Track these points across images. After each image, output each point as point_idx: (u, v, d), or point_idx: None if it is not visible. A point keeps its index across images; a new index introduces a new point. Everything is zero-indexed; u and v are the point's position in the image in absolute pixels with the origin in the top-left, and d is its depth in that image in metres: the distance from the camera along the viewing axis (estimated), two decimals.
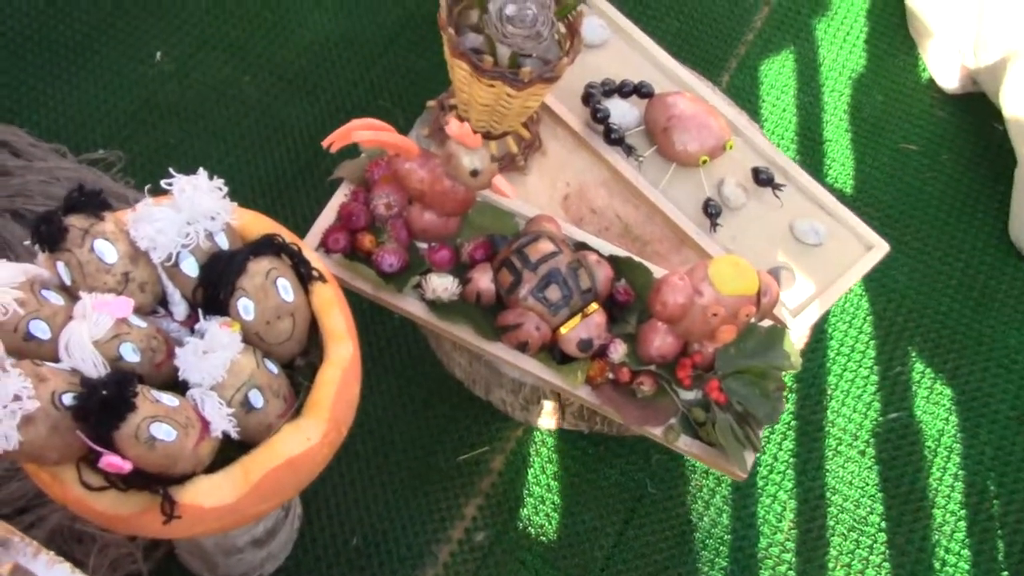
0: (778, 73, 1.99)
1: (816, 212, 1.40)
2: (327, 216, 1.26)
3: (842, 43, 2.05)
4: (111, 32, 1.86)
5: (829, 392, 1.67)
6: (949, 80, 1.97)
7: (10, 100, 1.78)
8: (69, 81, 1.81)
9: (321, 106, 1.84)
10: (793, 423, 1.64)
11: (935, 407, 1.68)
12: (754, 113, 1.93)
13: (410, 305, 1.22)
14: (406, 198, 1.24)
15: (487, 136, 1.32)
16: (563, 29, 1.22)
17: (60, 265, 1.01)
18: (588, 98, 1.39)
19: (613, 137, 1.35)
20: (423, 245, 1.26)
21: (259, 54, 1.88)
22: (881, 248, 1.38)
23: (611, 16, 1.50)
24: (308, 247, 1.14)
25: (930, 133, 1.96)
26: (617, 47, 1.49)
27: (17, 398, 0.89)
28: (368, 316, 1.59)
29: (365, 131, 1.14)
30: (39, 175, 1.64)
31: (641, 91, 1.41)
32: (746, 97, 1.95)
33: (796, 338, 1.30)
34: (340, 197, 1.27)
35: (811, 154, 1.91)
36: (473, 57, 1.16)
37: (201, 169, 1.07)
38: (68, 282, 1.01)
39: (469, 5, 1.21)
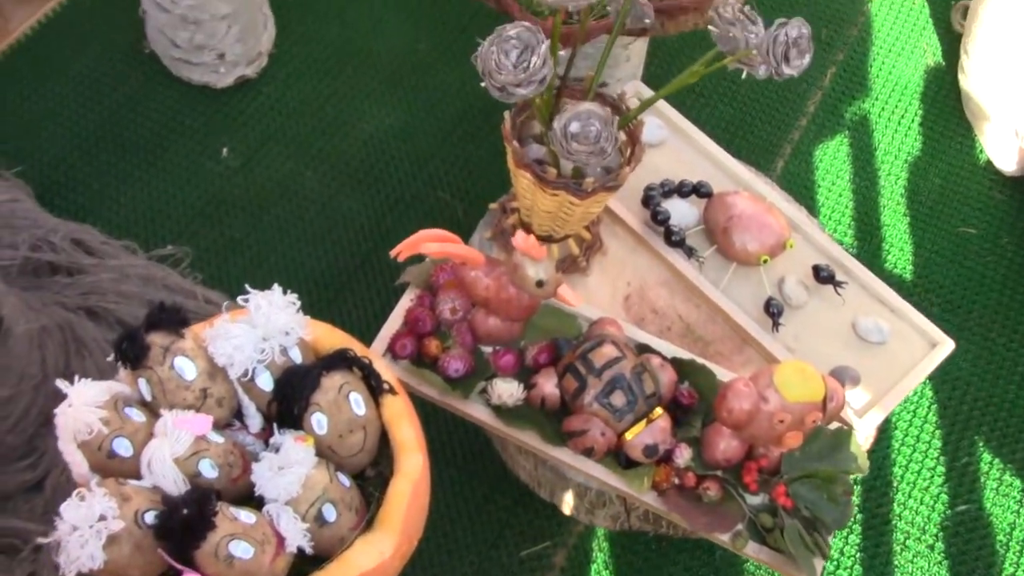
0: (833, 158, 2.00)
1: (879, 309, 1.40)
2: (394, 321, 1.28)
3: (897, 126, 2.05)
4: (180, 130, 1.92)
5: (895, 484, 1.65)
6: (1007, 162, 1.96)
7: (84, 197, 1.84)
8: (140, 178, 1.87)
9: (380, 199, 1.88)
10: (859, 516, 1.62)
11: (1005, 499, 1.65)
12: (810, 199, 1.94)
13: (476, 411, 1.24)
14: (471, 302, 1.26)
15: (549, 239, 1.34)
16: (623, 136, 1.25)
17: (142, 382, 1.04)
18: (648, 200, 1.40)
19: (674, 239, 1.37)
20: (487, 349, 1.27)
21: (320, 148, 1.93)
22: (946, 346, 1.37)
23: (668, 116, 1.52)
24: (377, 356, 1.16)
25: (989, 216, 1.95)
26: (675, 146, 1.51)
27: (103, 518, 0.92)
28: (430, 407, 1.61)
29: (433, 243, 1.17)
30: (111, 273, 1.69)
31: (700, 191, 1.43)
32: (802, 183, 1.96)
33: (862, 439, 1.30)
34: (406, 302, 1.29)
35: (869, 239, 1.91)
36: (536, 168, 1.19)
37: (276, 285, 1.10)
38: (149, 398, 1.04)
39: (532, 116, 1.24)
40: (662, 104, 1.52)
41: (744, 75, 1.14)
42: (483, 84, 1.01)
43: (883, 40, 2.17)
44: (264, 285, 1.75)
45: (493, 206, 1.44)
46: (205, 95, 1.96)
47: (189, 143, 1.91)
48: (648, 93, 1.56)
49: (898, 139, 2.04)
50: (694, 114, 1.99)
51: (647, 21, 1.22)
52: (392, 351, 1.26)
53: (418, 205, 1.88)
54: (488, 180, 1.91)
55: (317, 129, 1.95)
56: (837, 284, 1.38)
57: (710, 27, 1.14)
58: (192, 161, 1.89)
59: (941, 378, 1.75)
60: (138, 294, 1.68)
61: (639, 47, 1.78)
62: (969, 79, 1.99)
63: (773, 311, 1.35)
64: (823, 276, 1.39)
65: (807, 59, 1.05)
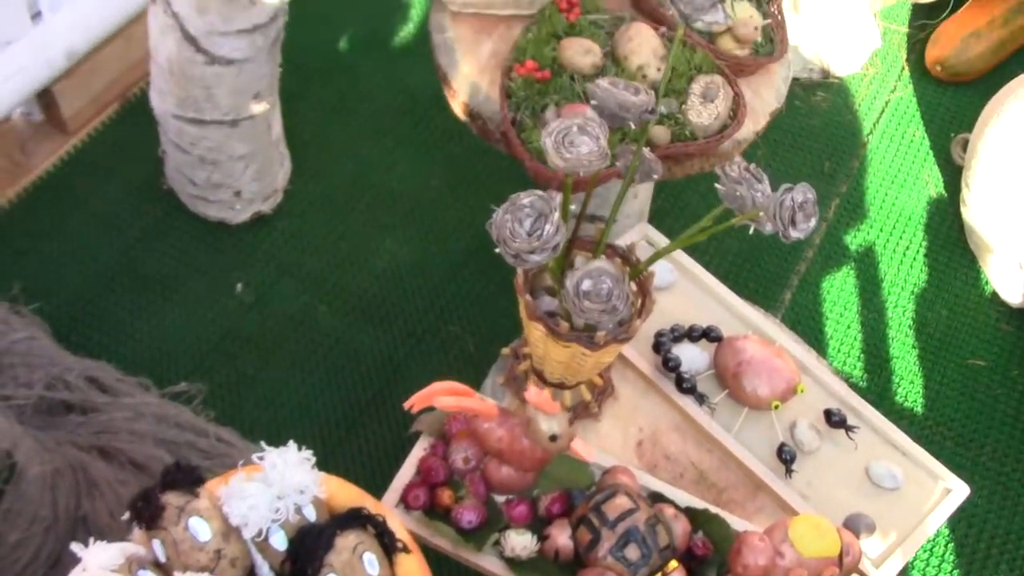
0: (840, 290, 2.02)
1: (892, 453, 1.40)
2: (407, 470, 1.28)
3: (902, 258, 2.08)
4: (195, 265, 1.96)
5: None
6: (1013, 294, 1.98)
7: (100, 333, 1.86)
8: (155, 314, 1.89)
9: (393, 333, 1.90)
10: None
11: None
12: (818, 331, 1.95)
13: (489, 563, 1.23)
14: (483, 452, 1.26)
15: (561, 387, 1.35)
16: (634, 287, 1.27)
17: (156, 543, 1.04)
18: (658, 346, 1.42)
19: (685, 387, 1.38)
20: (500, 497, 1.27)
21: (334, 283, 1.96)
22: (961, 491, 1.37)
23: (677, 258, 1.55)
24: (389, 509, 1.16)
25: (998, 348, 1.96)
26: (684, 288, 1.53)
27: None
28: (443, 557, 1.59)
29: (447, 396, 1.18)
30: (125, 412, 1.70)
31: (710, 335, 1.44)
32: (810, 315, 1.98)
33: None
34: (419, 450, 1.30)
35: (879, 372, 1.91)
36: (549, 321, 1.21)
37: (291, 442, 1.11)
38: (163, 559, 1.04)
39: (544, 267, 1.26)
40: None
41: (752, 230, 1.16)
42: (497, 250, 1.04)
43: (885, 172, 2.22)
44: (276, 423, 1.77)
45: (505, 351, 1.45)
46: (221, 231, 2.00)
47: (204, 278, 1.94)
48: (656, 236, 1.59)
49: (904, 270, 2.06)
50: (701, 247, 2.02)
51: (655, 176, 1.25)
52: (405, 502, 1.26)
53: (430, 339, 1.90)
54: (498, 315, 1.93)
55: (331, 264, 1.98)
56: (849, 429, 1.39)
57: (716, 185, 1.17)
58: (207, 296, 1.92)
59: (957, 515, 1.73)
60: (151, 433, 1.68)
61: (646, 186, 1.82)
62: (971, 211, 2.02)
63: (786, 457, 1.35)
64: (835, 421, 1.39)
65: (813, 222, 1.08)
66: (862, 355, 1.93)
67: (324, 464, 1.69)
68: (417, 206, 2.07)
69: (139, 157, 2.07)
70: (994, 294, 2.03)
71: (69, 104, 2.09)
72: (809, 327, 1.96)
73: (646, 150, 1.25)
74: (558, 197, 1.16)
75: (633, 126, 1.18)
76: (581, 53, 1.58)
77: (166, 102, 1.80)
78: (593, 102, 1.18)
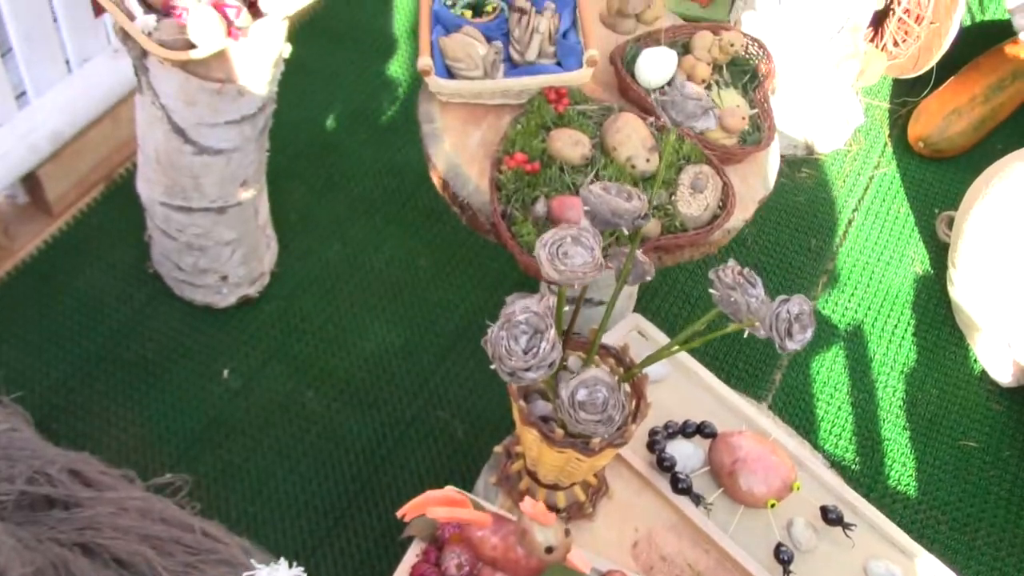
0: (830, 370, 2.02)
1: (890, 551, 1.38)
2: None
3: (891, 336, 2.08)
4: (181, 351, 1.93)
5: None
6: (1002, 374, 1.98)
7: (84, 423, 1.83)
8: (140, 401, 1.87)
9: (381, 419, 1.88)
10: None
11: None
12: (809, 413, 1.95)
13: None
14: (477, 559, 1.24)
15: (555, 488, 1.34)
16: (628, 388, 1.26)
17: None
18: (652, 444, 1.41)
19: (680, 487, 1.36)
20: None
21: (322, 367, 1.94)
22: None
23: (660, 342, 1.53)
24: None
25: (989, 428, 1.95)
26: (676, 382, 1.52)
27: None
28: None
29: (440, 507, 1.16)
30: (108, 506, 1.67)
31: (704, 431, 1.43)
32: (800, 396, 1.97)
33: None
34: (411, 557, 1.27)
35: (871, 455, 1.90)
36: (543, 427, 1.19)
37: (282, 559, 1.08)
38: None
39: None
40: (664, 340, 1.54)
41: (747, 333, 1.16)
42: (492, 367, 1.03)
43: (871, 249, 2.22)
44: (263, 515, 1.74)
45: (498, 449, 1.44)
46: (207, 315, 1.98)
47: (190, 364, 1.92)
48: (648, 327, 1.58)
49: (892, 349, 2.06)
50: (688, 322, 2.01)
51: (648, 279, 1.25)
52: None
53: (418, 425, 1.88)
54: (488, 399, 1.91)
55: (319, 348, 1.97)
56: (846, 527, 1.37)
57: (711, 290, 1.17)
58: (193, 383, 1.89)
59: None
60: (136, 529, 1.65)
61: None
62: (958, 290, 2.03)
63: (783, 558, 1.33)
64: (831, 518, 1.37)
65: (809, 333, 1.07)
66: (854, 437, 1.92)
67: (313, 559, 1.67)
68: (405, 287, 2.06)
69: (125, 239, 2.06)
70: (983, 373, 2.03)
71: (54, 186, 2.07)
72: (800, 409, 1.95)
73: (639, 252, 1.24)
74: (552, 299, 1.15)
75: (626, 231, 1.17)
76: (570, 145, 1.59)
77: (153, 190, 1.79)
78: (586, 207, 1.18)
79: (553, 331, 1.02)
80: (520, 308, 1.18)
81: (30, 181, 2.05)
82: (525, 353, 1.01)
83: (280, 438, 1.84)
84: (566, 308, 1.24)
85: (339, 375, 1.93)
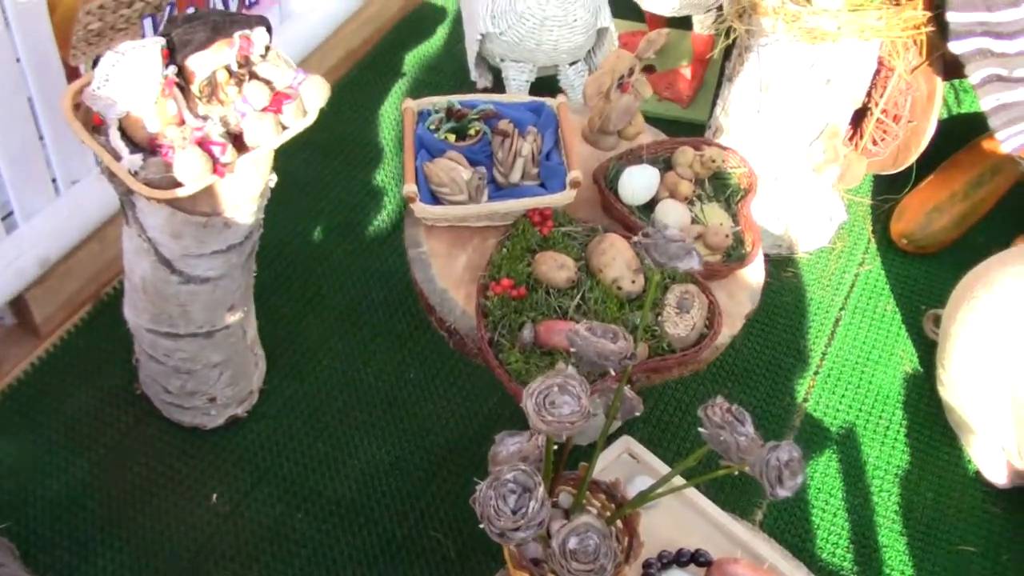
0: (824, 475, 2.00)
1: None
2: None
3: (883, 438, 2.07)
4: (169, 474, 1.92)
5: None
6: (997, 476, 1.97)
7: (70, 554, 1.80)
8: (127, 528, 1.84)
9: (372, 539, 1.86)
10: None
11: None
12: (805, 520, 1.93)
13: None
14: None
15: None
16: (620, 525, 1.24)
17: None
18: None
19: None
20: None
21: (311, 487, 1.92)
22: None
23: (660, 471, 1.53)
24: None
25: (986, 531, 1.93)
26: (670, 505, 1.51)
27: None
28: None
29: None
30: None
31: (698, 560, 1.41)
32: (795, 504, 1.95)
33: None
34: None
35: (868, 562, 1.88)
36: (535, 571, 1.18)
37: None
38: None
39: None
40: (656, 462, 1.54)
41: (737, 473, 1.15)
42: (481, 526, 1.02)
43: (859, 348, 2.23)
44: None
45: None
46: (195, 437, 1.96)
47: (179, 488, 1.90)
48: (639, 449, 1.58)
49: (886, 452, 2.05)
50: (682, 435, 2.01)
51: (636, 414, 1.25)
52: None
53: (410, 545, 1.85)
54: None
55: (308, 467, 1.95)
56: None
57: (700, 429, 1.16)
58: (181, 508, 1.87)
59: None
60: None
61: None
62: (948, 391, 2.03)
63: None
64: None
65: (799, 479, 1.07)
66: (851, 545, 1.90)
67: None
68: (394, 401, 2.06)
69: (112, 360, 2.05)
70: (978, 474, 2.02)
71: (41, 308, 2.07)
72: (795, 516, 1.93)
73: (627, 389, 1.24)
74: (542, 438, 1.15)
75: (613, 372, 1.17)
76: (555, 268, 1.60)
77: (140, 317, 1.79)
78: (572, 349, 1.18)
79: (542, 489, 1.02)
80: (508, 452, 1.17)
81: (17, 303, 2.05)
82: (514, 513, 1.00)
83: (270, 564, 1.82)
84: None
85: (329, 495, 1.91)
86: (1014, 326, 1.81)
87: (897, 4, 2.09)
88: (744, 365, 2.17)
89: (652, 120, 2.48)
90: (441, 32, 2.91)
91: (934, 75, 2.27)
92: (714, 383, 2.13)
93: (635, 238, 1.17)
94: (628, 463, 1.57)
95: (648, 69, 2.77)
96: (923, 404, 2.13)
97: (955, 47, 2.06)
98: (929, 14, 2.10)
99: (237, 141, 1.57)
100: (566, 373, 1.10)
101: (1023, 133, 2.14)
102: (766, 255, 2.37)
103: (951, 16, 2.03)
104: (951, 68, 2.22)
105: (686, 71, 2.73)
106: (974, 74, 2.08)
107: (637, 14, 2.73)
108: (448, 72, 2.79)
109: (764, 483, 1.06)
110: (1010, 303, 1.83)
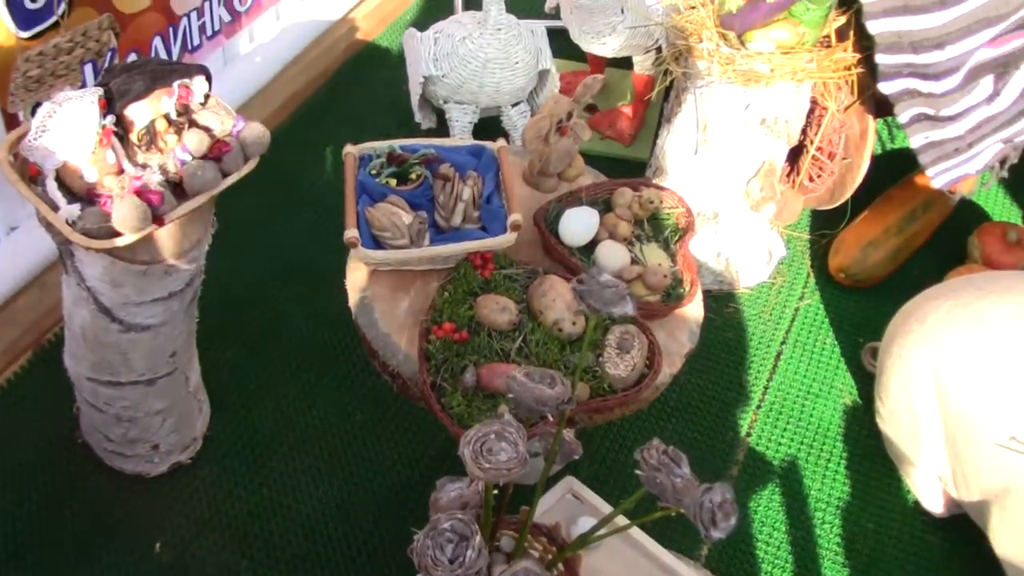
0: (767, 508, 2.03)
1: None
2: None
3: (824, 471, 2.11)
4: (111, 523, 1.89)
5: None
6: (935, 505, 2.01)
7: None
8: None
9: None
10: None
11: None
12: (749, 554, 1.95)
13: None
14: None
15: None
16: (562, 567, 1.25)
17: None
18: None
19: None
20: None
21: (256, 534, 1.90)
22: None
23: (603, 511, 1.54)
24: None
25: (926, 561, 1.97)
26: (611, 544, 1.52)
27: None
28: None
29: None
30: None
31: None
32: (740, 537, 1.97)
33: None
34: None
35: None
36: None
37: None
38: None
39: None
40: (599, 503, 1.55)
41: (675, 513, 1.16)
42: (419, 575, 1.02)
43: (800, 381, 2.27)
44: None
45: None
46: (138, 485, 1.94)
47: (121, 538, 1.87)
48: (581, 489, 1.59)
49: (827, 484, 2.08)
50: (626, 474, 2.03)
51: (575, 457, 1.26)
52: None
53: None
54: None
55: (253, 513, 1.93)
56: None
57: (637, 471, 1.18)
58: (124, 559, 1.85)
59: None
60: None
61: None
62: (886, 423, 2.07)
63: None
64: None
65: (733, 520, 1.09)
66: None
67: None
68: (340, 444, 2.05)
69: (54, 408, 2.02)
70: (917, 504, 2.05)
71: None
72: (740, 551, 1.95)
73: (566, 432, 1.26)
74: (482, 491, 1.16)
75: (551, 417, 1.19)
76: (497, 311, 1.61)
77: (80, 365, 1.77)
78: (510, 395, 1.19)
79: (479, 537, 1.03)
80: (449, 498, 1.18)
81: None
82: (451, 562, 1.01)
83: None
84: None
85: (274, 542, 1.90)
86: (945, 359, 1.86)
87: (827, 47, 2.16)
88: (688, 401, 2.19)
89: (595, 158, 2.53)
90: (385, 74, 2.94)
91: (866, 113, 2.33)
92: (659, 420, 2.15)
93: (572, 284, 1.19)
94: (572, 504, 1.58)
95: (591, 108, 2.82)
96: (863, 436, 2.17)
97: (884, 87, 2.12)
98: (859, 56, 2.17)
99: (177, 189, 1.57)
100: (503, 420, 1.11)
101: (952, 169, 2.21)
102: (708, 291, 2.41)
103: (879, 58, 2.09)
104: (883, 106, 2.29)
105: (628, 110, 2.77)
106: (903, 113, 2.14)
107: (579, 54, 2.77)
108: (393, 113, 2.81)
109: (698, 525, 1.07)
110: (941, 336, 1.88)
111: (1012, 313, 1.81)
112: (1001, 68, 2.10)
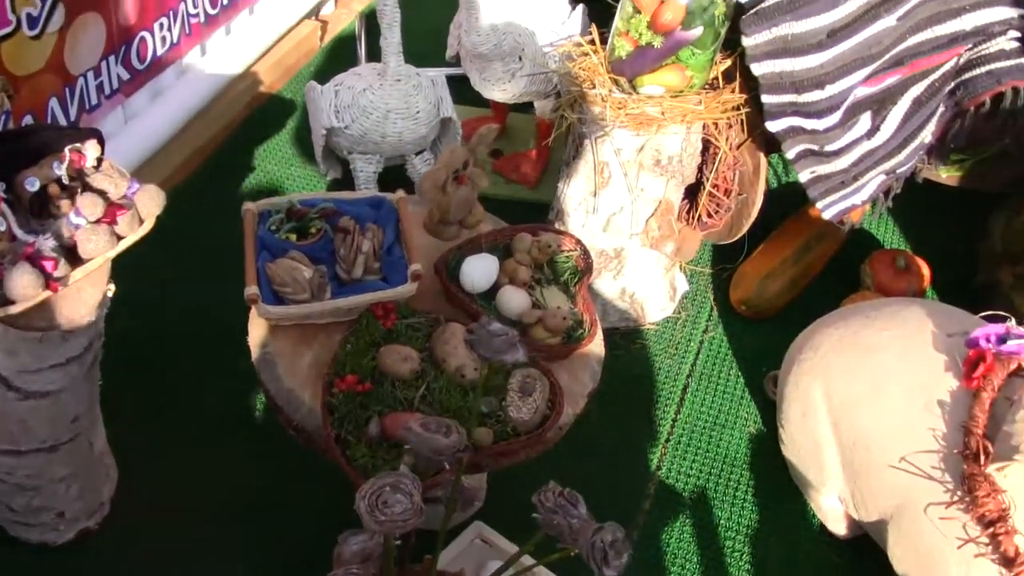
0: (679, 540, 2.07)
1: None
2: None
3: (733, 499, 2.16)
4: None
5: None
6: (839, 527, 2.08)
7: None
8: None
9: None
10: None
11: None
12: None
13: None
14: None
15: None
16: None
17: None
18: None
19: None
20: None
21: None
22: None
23: (508, 551, 1.56)
24: None
25: None
26: None
27: None
28: None
29: None
30: None
31: None
32: (653, 571, 2.01)
33: None
34: None
35: None
36: None
37: None
38: None
39: None
40: (508, 546, 1.57)
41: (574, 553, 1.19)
42: None
43: (707, 413, 2.32)
44: None
45: None
46: (43, 555, 1.90)
47: None
48: (491, 534, 1.61)
49: (736, 512, 2.14)
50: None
51: (477, 504, 1.28)
52: None
53: None
54: None
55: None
56: None
57: (534, 515, 1.21)
58: None
59: None
60: None
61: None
62: (789, 449, 2.13)
63: None
64: None
65: (625, 557, 1.12)
66: None
67: None
68: (252, 502, 2.04)
69: None
70: (822, 527, 2.12)
71: None
72: None
73: (474, 478, 1.28)
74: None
75: (448, 466, 1.21)
76: (399, 361, 1.63)
77: None
78: (407, 446, 1.21)
79: None
80: (352, 552, 1.19)
81: None
82: None
83: None
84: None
85: None
86: (836, 385, 1.93)
87: (715, 88, 2.24)
88: (599, 438, 2.23)
89: (501, 202, 2.57)
90: (291, 125, 2.95)
91: (758, 151, 2.42)
92: (570, 457, 2.17)
93: (463, 334, 1.22)
94: (481, 549, 1.60)
95: (495, 153, 2.87)
96: (769, 463, 2.23)
97: (770, 126, 2.21)
98: (745, 96, 2.25)
99: (71, 254, 1.56)
100: (398, 472, 1.13)
101: (840, 201, 2.31)
102: (615, 329, 2.46)
103: (764, 98, 2.18)
104: (773, 143, 2.37)
105: (532, 154, 2.83)
106: (790, 150, 2.23)
107: (483, 100, 2.82)
108: (298, 165, 2.82)
109: (592, 564, 1.10)
110: (831, 363, 1.95)
111: (898, 339, 1.89)
112: (878, 104, 2.20)
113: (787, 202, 2.69)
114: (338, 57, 3.20)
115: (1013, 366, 1.70)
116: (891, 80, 2.17)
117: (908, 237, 2.81)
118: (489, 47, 2.43)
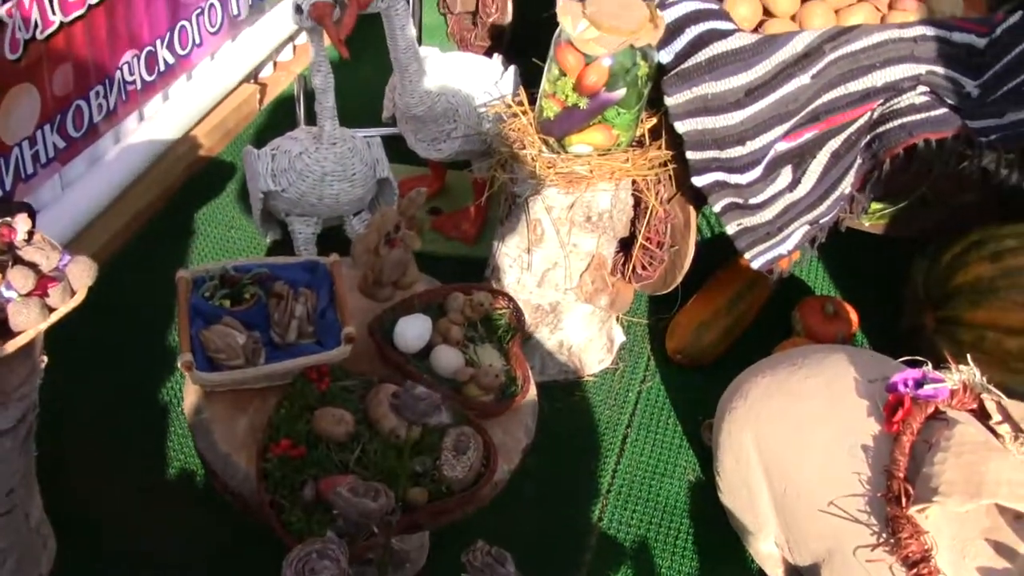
0: None
1: None
2: None
3: (673, 548, 2.19)
4: None
5: None
6: (776, 572, 2.11)
7: None
8: None
9: None
10: None
11: None
12: None
13: None
14: None
15: None
16: None
17: None
18: None
19: None
20: None
21: None
22: None
23: None
24: None
25: None
26: None
27: None
28: None
29: None
30: None
31: None
32: None
33: None
34: None
35: None
36: None
37: None
38: None
39: None
40: None
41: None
42: None
43: (646, 462, 2.36)
44: None
45: None
46: None
47: None
48: None
49: (677, 561, 2.17)
50: None
51: (407, 566, 1.30)
52: None
53: None
54: None
55: None
56: None
57: (462, 575, 1.23)
58: None
59: None
60: None
61: None
62: (726, 496, 2.17)
63: None
64: None
65: None
66: None
67: None
68: (194, 571, 2.03)
69: None
70: (761, 572, 2.15)
71: None
72: None
73: (403, 541, 1.30)
74: None
75: (376, 530, 1.23)
76: (334, 423, 1.65)
77: None
78: (335, 511, 1.23)
79: None
80: None
81: None
82: None
83: None
84: None
85: None
86: (766, 432, 1.98)
87: (641, 146, 2.30)
88: (540, 491, 2.25)
89: (441, 259, 2.61)
90: (231, 188, 2.98)
91: (688, 203, 2.48)
92: (513, 512, 2.19)
93: (388, 399, 1.25)
94: None
95: (435, 211, 2.91)
96: (708, 511, 2.27)
97: (696, 181, 2.28)
98: (671, 153, 2.32)
99: (2, 327, 1.57)
100: (325, 538, 1.15)
101: (767, 252, 2.37)
102: (555, 381, 2.50)
103: (689, 154, 2.25)
104: (702, 196, 2.44)
105: (471, 211, 2.87)
106: (716, 204, 2.30)
107: (421, 159, 2.87)
108: (239, 227, 2.84)
109: None
110: (761, 411, 2.00)
111: (823, 386, 1.94)
112: (798, 158, 2.28)
113: (720, 252, 2.76)
114: (278, 119, 3.23)
115: (930, 410, 1.76)
116: (809, 135, 2.25)
117: (837, 284, 2.88)
118: (423, 109, 2.48)
